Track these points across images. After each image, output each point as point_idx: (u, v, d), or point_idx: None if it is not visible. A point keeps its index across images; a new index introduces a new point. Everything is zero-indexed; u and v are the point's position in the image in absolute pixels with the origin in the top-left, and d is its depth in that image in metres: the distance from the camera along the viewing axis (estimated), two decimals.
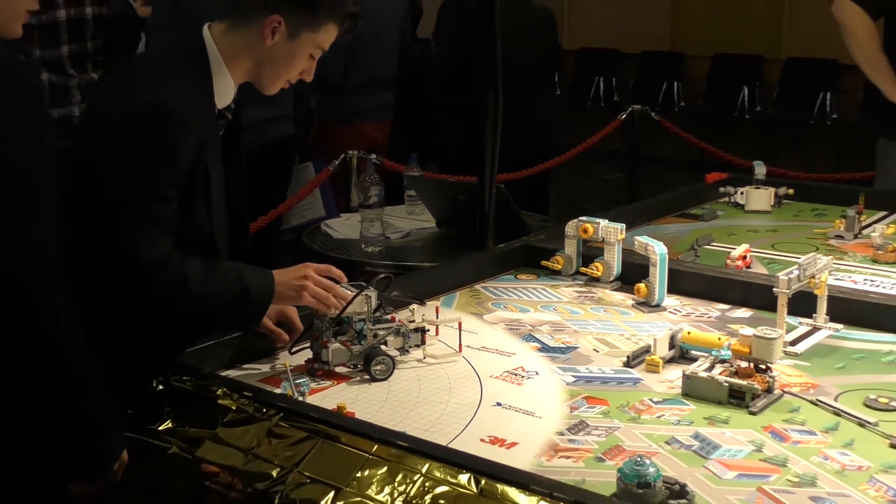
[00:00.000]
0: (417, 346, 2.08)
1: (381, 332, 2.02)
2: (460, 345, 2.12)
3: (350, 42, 4.40)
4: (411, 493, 1.47)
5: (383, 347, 2.01)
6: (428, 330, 2.11)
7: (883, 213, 3.21)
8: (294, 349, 2.07)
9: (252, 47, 1.99)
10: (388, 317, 2.07)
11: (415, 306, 2.22)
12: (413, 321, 2.11)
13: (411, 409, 1.83)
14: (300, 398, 1.85)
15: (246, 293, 1.94)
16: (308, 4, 1.99)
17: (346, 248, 3.52)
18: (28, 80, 1.59)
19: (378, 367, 1.96)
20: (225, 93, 2.02)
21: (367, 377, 1.96)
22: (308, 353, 2.03)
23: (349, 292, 2.02)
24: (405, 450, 1.55)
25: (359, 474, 1.52)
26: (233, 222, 2.08)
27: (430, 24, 5.18)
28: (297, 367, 1.99)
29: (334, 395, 1.89)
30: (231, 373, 1.98)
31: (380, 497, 1.48)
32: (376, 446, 1.56)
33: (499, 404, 1.85)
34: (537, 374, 1.99)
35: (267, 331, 2.06)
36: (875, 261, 2.71)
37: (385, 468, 1.53)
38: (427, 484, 1.47)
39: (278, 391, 1.87)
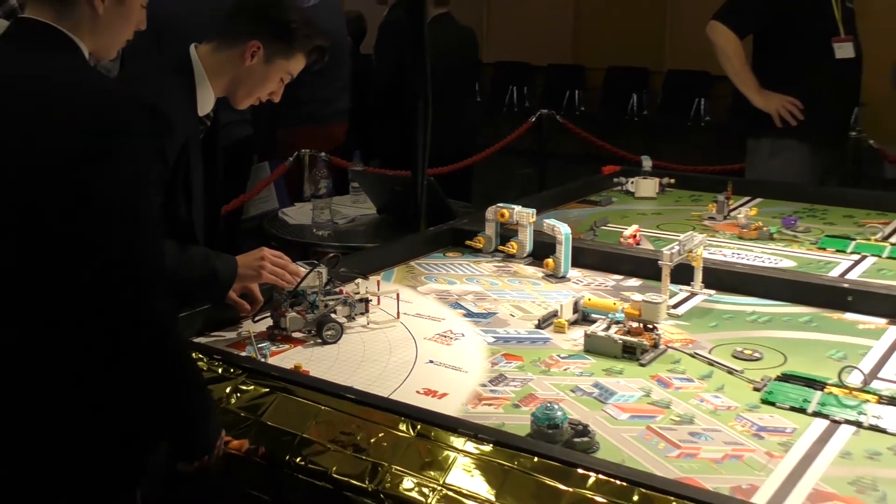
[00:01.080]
0: (362, 314, 2.08)
1: (330, 303, 2.01)
2: (398, 312, 2.11)
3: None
4: (358, 438, 1.47)
5: (333, 315, 2.00)
6: (371, 300, 2.11)
7: (747, 199, 3.26)
8: (257, 318, 2.05)
9: (232, 66, 2.00)
10: (337, 290, 2.07)
11: (359, 280, 2.21)
12: (358, 293, 2.10)
13: (357, 368, 1.83)
14: (262, 360, 1.83)
15: (213, 272, 1.93)
16: (285, 35, 2.01)
17: (301, 233, 3.48)
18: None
19: (329, 332, 1.95)
20: (206, 102, 2.01)
21: (319, 341, 1.95)
22: (269, 322, 2.02)
23: (303, 269, 2.01)
24: (352, 401, 1.54)
25: (314, 422, 1.52)
26: (208, 213, 2.07)
27: (371, 41, 5.16)
28: (260, 334, 1.97)
29: (292, 357, 1.87)
30: (202, 339, 1.95)
31: (331, 444, 1.47)
32: (327, 399, 1.56)
33: (431, 362, 1.85)
34: (463, 335, 2.00)
35: (232, 302, 2.03)
36: (741, 238, 2.75)
37: (337, 417, 1.52)
38: (371, 430, 1.47)
39: (244, 354, 1.86)
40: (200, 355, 1.74)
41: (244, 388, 1.64)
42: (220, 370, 1.69)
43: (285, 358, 1.87)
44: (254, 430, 1.55)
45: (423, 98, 2.81)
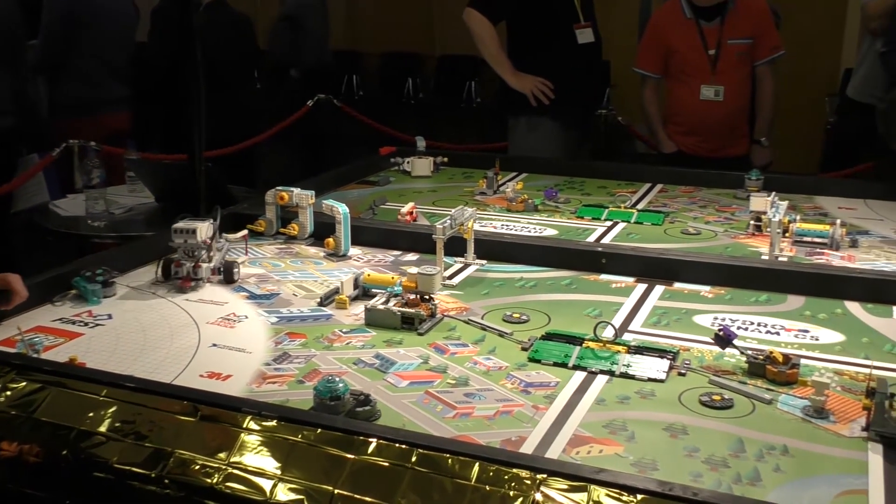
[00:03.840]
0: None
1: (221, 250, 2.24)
2: (246, 249, 2.38)
3: (67, 29, 4.06)
4: (140, 426, 1.41)
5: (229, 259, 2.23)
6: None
7: (514, 174, 3.39)
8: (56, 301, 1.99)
9: None
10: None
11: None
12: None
13: (138, 356, 1.75)
14: (35, 355, 1.72)
15: None
16: None
17: (75, 224, 3.30)
18: None
19: (236, 271, 2.21)
20: None
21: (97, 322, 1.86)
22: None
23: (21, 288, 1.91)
24: (132, 389, 1.48)
25: (91, 415, 1.44)
26: None
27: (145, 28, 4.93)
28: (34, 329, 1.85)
29: (67, 350, 1.77)
30: None
31: (110, 433, 1.41)
32: (106, 389, 1.48)
33: (214, 345, 1.81)
34: (247, 317, 1.97)
35: None
36: (509, 210, 2.86)
37: (115, 407, 1.45)
38: (153, 417, 1.42)
39: (13, 351, 1.73)
40: None
41: (13, 385, 1.53)
42: None
43: (59, 352, 1.76)
44: (26, 428, 1.46)
45: (195, 83, 2.72)
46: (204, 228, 2.18)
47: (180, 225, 2.17)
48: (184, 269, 2.16)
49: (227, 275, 2.19)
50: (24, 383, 1.53)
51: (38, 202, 3.86)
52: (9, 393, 1.51)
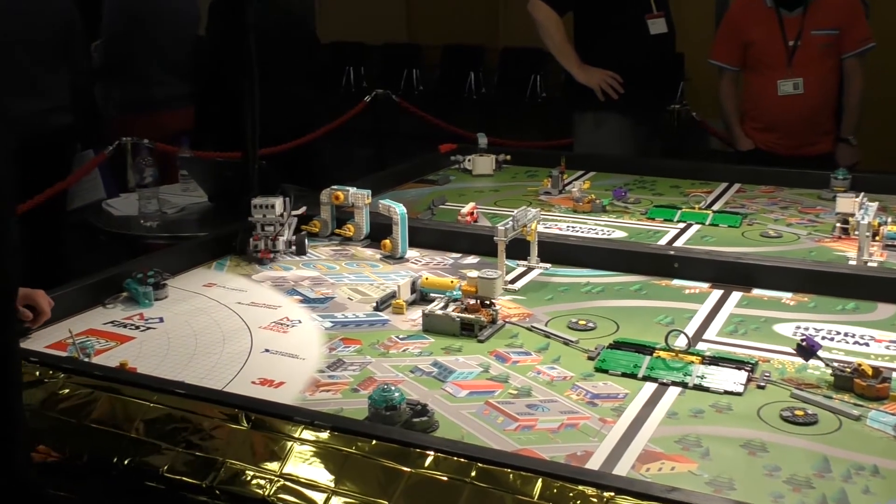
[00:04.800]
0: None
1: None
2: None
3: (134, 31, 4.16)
4: (190, 434, 1.43)
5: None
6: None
7: (580, 173, 3.36)
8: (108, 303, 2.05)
9: None
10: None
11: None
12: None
13: (189, 362, 1.78)
14: (85, 359, 1.76)
15: None
16: None
17: (127, 225, 3.37)
18: None
19: (307, 243, 2.44)
20: None
21: (148, 329, 1.90)
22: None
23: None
24: (183, 396, 1.50)
25: (141, 422, 1.47)
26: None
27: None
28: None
29: (117, 354, 1.81)
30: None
31: (161, 442, 1.43)
32: (156, 395, 1.51)
33: (267, 350, 1.83)
34: (300, 322, 1.98)
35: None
36: (575, 211, 2.84)
37: (167, 413, 1.48)
38: (204, 423, 1.44)
39: (64, 354, 1.77)
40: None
41: (63, 391, 1.56)
42: (37, 373, 1.61)
43: (111, 356, 1.80)
44: (77, 434, 1.49)
45: (249, 78, 2.75)
46: (280, 204, 2.39)
47: (259, 200, 2.38)
48: (263, 242, 2.37)
49: (299, 247, 2.43)
50: (74, 388, 1.56)
51: (94, 199, 3.95)
52: (59, 398, 1.55)
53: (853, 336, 1.87)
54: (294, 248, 2.44)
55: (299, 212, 2.55)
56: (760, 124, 3.89)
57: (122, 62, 4.45)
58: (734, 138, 3.98)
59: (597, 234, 2.59)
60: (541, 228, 2.37)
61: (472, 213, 2.70)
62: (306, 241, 2.47)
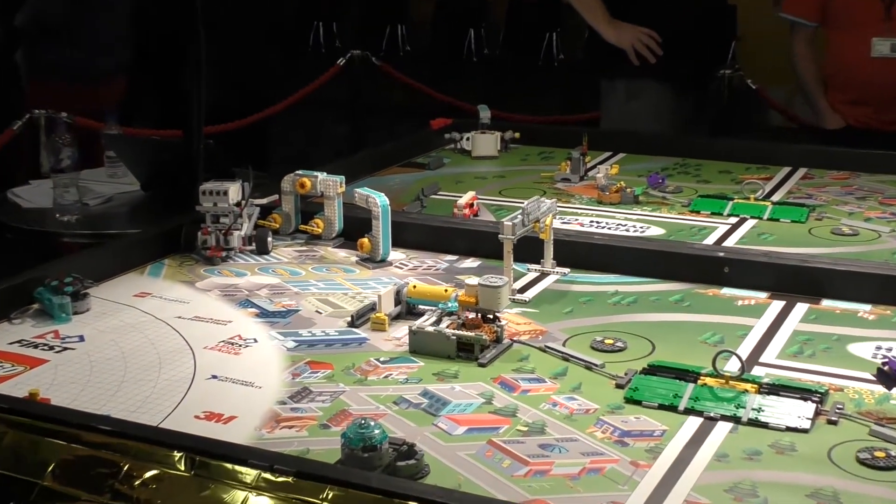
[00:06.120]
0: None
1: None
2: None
3: None
4: (118, 481, 1.43)
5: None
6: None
7: (608, 154, 3.37)
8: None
9: None
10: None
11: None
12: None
13: (117, 391, 1.78)
14: None
15: None
16: None
17: (40, 219, 3.37)
18: None
19: (270, 240, 2.45)
20: None
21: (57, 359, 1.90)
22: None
23: None
24: (109, 433, 1.50)
25: (56, 466, 1.47)
26: None
27: None
28: None
29: (26, 381, 1.80)
30: None
31: (81, 492, 1.43)
32: (76, 432, 1.51)
33: (214, 377, 1.83)
34: (256, 341, 1.98)
35: None
36: (601, 202, 2.85)
37: (89, 455, 1.48)
38: (135, 468, 1.44)
39: None
40: None
41: None
42: None
43: (17, 384, 1.80)
44: None
45: (192, 38, 2.75)
46: (235, 190, 2.39)
47: (209, 185, 2.39)
48: (213, 237, 2.37)
49: (260, 244, 2.43)
50: None
51: None
52: None
53: None
54: (254, 245, 2.45)
55: (263, 201, 2.56)
56: (846, 96, 3.88)
57: (50, 22, 4.47)
58: (818, 114, 3.97)
59: (627, 230, 2.59)
60: (557, 224, 2.37)
61: (471, 206, 2.70)
62: (270, 237, 2.47)
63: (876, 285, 2.13)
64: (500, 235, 2.18)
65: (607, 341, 1.95)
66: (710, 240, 2.53)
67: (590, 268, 2.33)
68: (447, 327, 1.92)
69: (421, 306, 2.07)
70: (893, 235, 2.55)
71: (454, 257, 2.45)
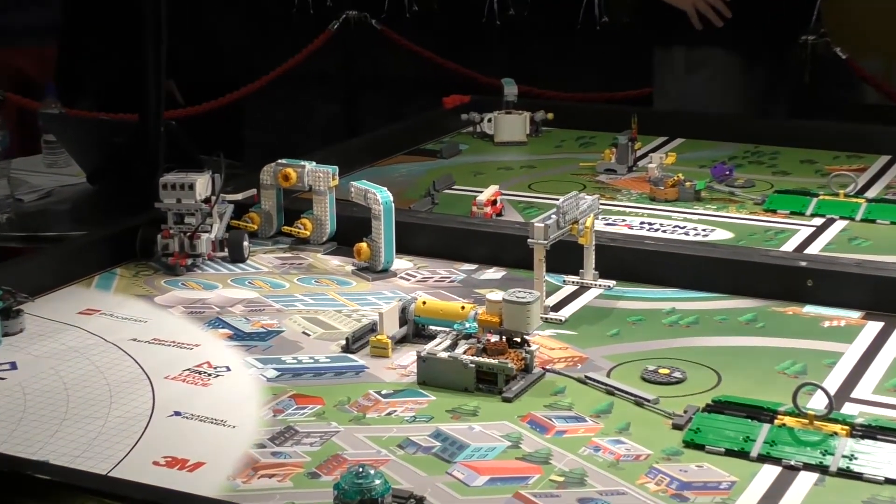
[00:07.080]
0: None
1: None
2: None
3: None
4: None
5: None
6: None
7: (662, 140, 3.37)
8: None
9: None
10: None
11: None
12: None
13: (57, 430, 1.78)
14: None
15: None
16: None
17: None
18: None
19: (246, 244, 2.47)
20: None
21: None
22: None
23: None
24: (48, 484, 1.50)
25: None
26: None
27: None
28: None
29: None
30: None
31: None
32: (7, 483, 1.51)
33: (177, 414, 1.83)
34: (228, 369, 1.99)
35: None
36: (653, 198, 2.85)
37: None
38: None
39: None
40: None
41: None
42: None
43: None
44: None
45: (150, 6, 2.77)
46: (203, 183, 2.36)
47: (171, 178, 2.38)
48: (176, 240, 2.36)
49: (233, 250, 2.43)
50: None
51: None
52: None
53: None
54: (226, 250, 2.45)
55: (238, 196, 2.55)
56: None
57: None
58: None
59: (686, 234, 2.60)
60: (600, 226, 2.37)
61: (493, 203, 2.71)
62: (246, 240, 2.47)
63: None
64: (529, 240, 2.17)
65: (662, 371, 1.95)
66: (790, 246, 2.53)
67: (640, 280, 2.34)
68: (464, 353, 1.92)
69: (432, 327, 2.07)
70: None
71: (473, 266, 2.46)
